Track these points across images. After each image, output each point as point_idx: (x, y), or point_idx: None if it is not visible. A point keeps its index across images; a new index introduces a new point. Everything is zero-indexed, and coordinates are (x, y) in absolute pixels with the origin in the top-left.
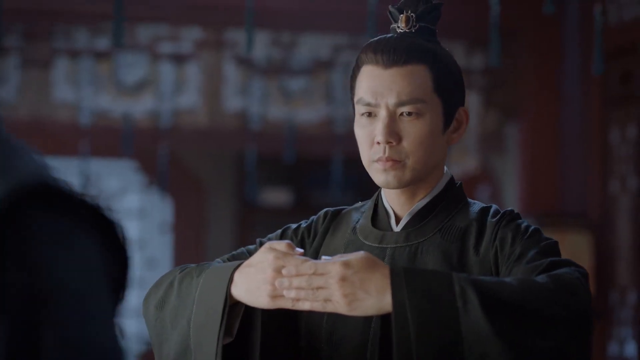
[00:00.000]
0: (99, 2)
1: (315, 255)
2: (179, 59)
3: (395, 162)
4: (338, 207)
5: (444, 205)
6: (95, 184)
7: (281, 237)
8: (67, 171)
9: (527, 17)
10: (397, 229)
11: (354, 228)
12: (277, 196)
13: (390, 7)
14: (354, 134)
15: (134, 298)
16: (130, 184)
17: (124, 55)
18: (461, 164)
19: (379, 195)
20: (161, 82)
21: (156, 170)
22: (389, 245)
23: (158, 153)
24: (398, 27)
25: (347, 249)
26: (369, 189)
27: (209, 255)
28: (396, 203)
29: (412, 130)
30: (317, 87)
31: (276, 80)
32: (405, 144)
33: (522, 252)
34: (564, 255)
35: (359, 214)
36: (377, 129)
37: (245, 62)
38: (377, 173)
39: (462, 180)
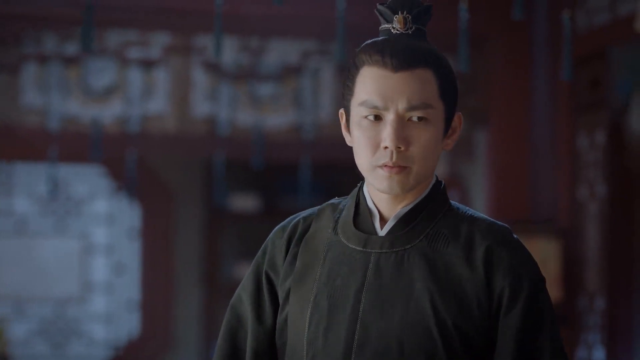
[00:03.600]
0: (68, 7)
1: (294, 262)
2: (147, 65)
3: (401, 168)
4: (309, 210)
5: (430, 209)
6: (64, 189)
7: (256, 283)
8: (35, 176)
9: (496, 23)
10: (382, 232)
11: (335, 227)
12: (245, 202)
13: (379, 6)
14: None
15: (102, 303)
16: (99, 189)
17: (92, 60)
18: None
19: (361, 193)
20: (130, 87)
21: (124, 175)
22: (373, 250)
23: (126, 158)
24: (393, 27)
25: (329, 252)
26: (337, 194)
27: (177, 260)
28: (383, 204)
29: (420, 136)
30: (285, 92)
31: (245, 86)
32: (412, 149)
33: (525, 329)
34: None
35: (337, 211)
36: (386, 133)
37: (213, 68)
38: (381, 179)
39: None
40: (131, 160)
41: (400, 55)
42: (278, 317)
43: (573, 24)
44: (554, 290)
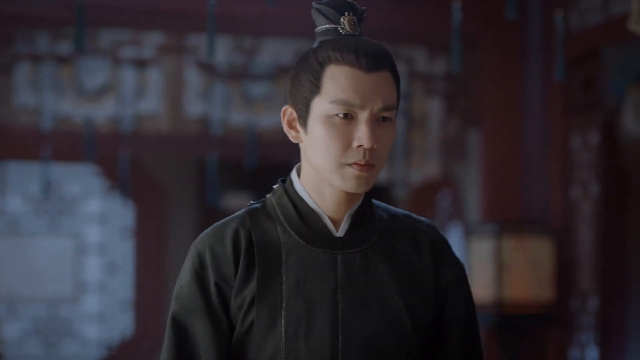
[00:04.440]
0: (61, 7)
1: (251, 272)
2: (140, 64)
3: (370, 166)
4: (236, 216)
5: (370, 207)
6: (57, 188)
7: (206, 296)
8: (28, 176)
9: (489, 23)
10: (339, 233)
11: (284, 228)
12: (238, 201)
13: (318, 5)
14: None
15: (95, 303)
16: (92, 189)
17: (85, 60)
18: (422, 170)
19: (295, 197)
20: (123, 87)
21: (117, 175)
22: (339, 252)
23: (119, 158)
24: (342, 28)
25: (290, 256)
26: None
27: (170, 260)
28: (330, 205)
29: (386, 136)
30: (279, 92)
31: (238, 86)
32: (379, 149)
33: (464, 325)
34: (526, 262)
35: (273, 215)
36: (361, 132)
37: (206, 67)
38: (349, 177)
39: (424, 186)
40: (124, 160)
41: (372, 57)
42: (237, 328)
43: (566, 24)
44: (546, 291)
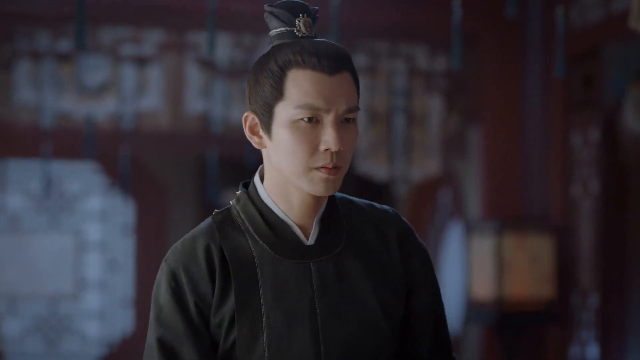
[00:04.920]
0: (61, 4)
1: (228, 288)
2: (141, 62)
3: (337, 169)
4: (203, 230)
5: (333, 207)
6: (57, 186)
7: (187, 316)
8: (29, 173)
9: (489, 21)
10: (310, 241)
11: (255, 241)
12: None
13: (271, 8)
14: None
15: (95, 300)
16: (92, 186)
17: (86, 57)
18: (423, 167)
19: (261, 205)
20: (123, 84)
21: (118, 172)
22: (311, 261)
23: (120, 155)
24: (298, 30)
25: (264, 268)
26: None
27: None
28: (297, 211)
29: (350, 137)
30: None
31: (238, 83)
32: (345, 150)
33: (430, 304)
34: (527, 259)
35: (240, 224)
36: (328, 135)
37: (207, 65)
38: (317, 181)
39: (424, 183)
40: (125, 157)
41: (334, 59)
42: (221, 344)
43: (566, 21)
44: (547, 288)
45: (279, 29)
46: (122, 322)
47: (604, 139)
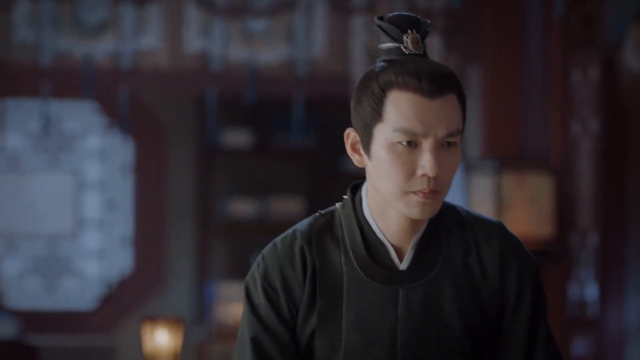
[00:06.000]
0: None
1: (313, 300)
2: (140, 0)
3: (435, 193)
4: (303, 232)
5: (437, 226)
6: (56, 125)
7: (284, 321)
8: (28, 113)
9: None
10: (402, 265)
11: (348, 258)
12: (238, 138)
13: (381, 22)
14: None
15: (94, 239)
16: (91, 125)
17: None
18: None
19: (362, 219)
20: (122, 23)
21: (117, 112)
22: (400, 286)
23: (119, 95)
24: (405, 47)
25: (351, 290)
26: (330, 131)
27: (170, 197)
28: (396, 233)
29: (451, 161)
30: (278, 28)
31: (237, 22)
32: (444, 175)
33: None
34: (526, 198)
35: (339, 240)
36: (426, 161)
37: (206, 3)
38: (413, 205)
39: None
40: (124, 97)
41: (436, 81)
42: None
43: None
44: (546, 227)
45: (387, 45)
46: (121, 261)
47: (604, 78)
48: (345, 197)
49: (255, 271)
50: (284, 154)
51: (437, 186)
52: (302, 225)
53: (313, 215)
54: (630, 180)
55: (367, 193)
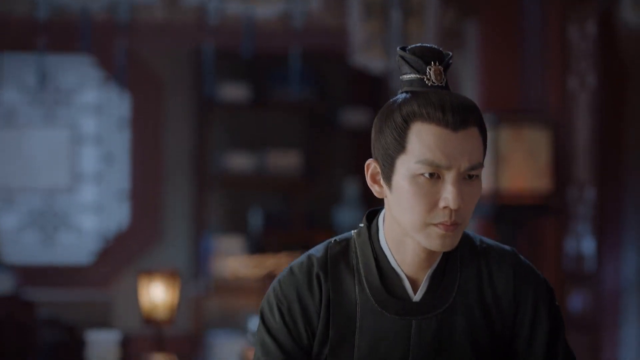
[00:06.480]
0: None
1: (327, 329)
2: None
3: (456, 225)
4: (319, 259)
5: (452, 259)
6: (52, 79)
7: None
8: (24, 67)
9: None
10: (416, 297)
11: (362, 288)
12: (235, 91)
13: (404, 53)
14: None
15: (91, 193)
16: (88, 79)
17: None
18: None
19: (378, 250)
20: None
21: (114, 65)
22: (414, 318)
23: (115, 48)
24: (428, 79)
25: (364, 320)
26: (327, 84)
27: (167, 150)
28: (411, 265)
29: (472, 194)
30: None
31: None
32: (465, 207)
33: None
34: (524, 152)
35: (354, 269)
36: (448, 193)
37: None
38: (434, 236)
39: None
40: (120, 50)
41: (460, 114)
42: None
43: None
44: (543, 181)
45: (409, 76)
46: (118, 215)
47: (602, 32)
48: (361, 225)
49: (271, 297)
50: (281, 107)
51: (458, 219)
52: (318, 251)
53: (327, 241)
54: (627, 135)
55: (385, 223)
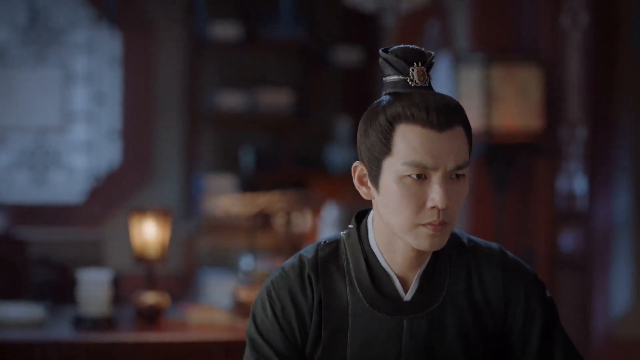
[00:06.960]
0: None
1: (319, 330)
2: None
3: (444, 225)
4: (310, 260)
5: (441, 257)
6: (43, 18)
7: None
8: (15, 6)
9: None
10: (407, 296)
11: (353, 288)
12: (226, 30)
13: (386, 54)
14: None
15: (82, 132)
16: (79, 18)
17: None
18: None
19: (368, 250)
20: None
21: (104, 4)
22: (405, 317)
23: None
24: (411, 80)
25: (355, 320)
26: (319, 22)
27: (158, 89)
28: (401, 265)
29: (459, 193)
30: None
31: None
32: (452, 206)
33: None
34: (515, 91)
35: (344, 270)
36: (435, 193)
37: None
38: (423, 237)
39: (412, 14)
40: None
41: (444, 114)
42: None
43: None
44: (535, 120)
45: (392, 77)
46: (109, 154)
47: None
48: (350, 226)
49: (264, 297)
50: (272, 45)
51: (445, 218)
52: (308, 252)
53: (317, 243)
54: (619, 74)
55: (374, 224)
